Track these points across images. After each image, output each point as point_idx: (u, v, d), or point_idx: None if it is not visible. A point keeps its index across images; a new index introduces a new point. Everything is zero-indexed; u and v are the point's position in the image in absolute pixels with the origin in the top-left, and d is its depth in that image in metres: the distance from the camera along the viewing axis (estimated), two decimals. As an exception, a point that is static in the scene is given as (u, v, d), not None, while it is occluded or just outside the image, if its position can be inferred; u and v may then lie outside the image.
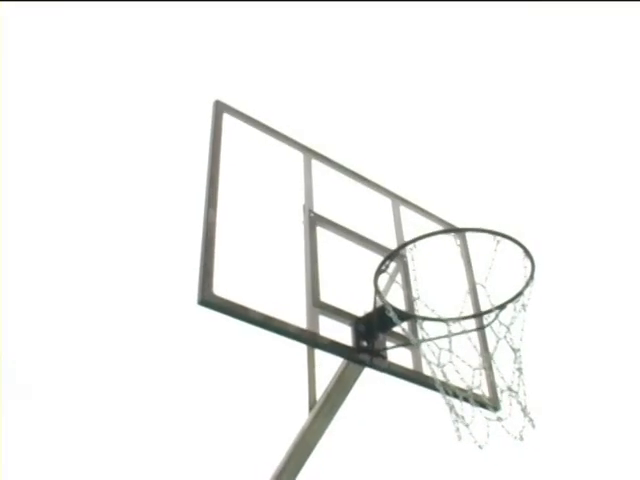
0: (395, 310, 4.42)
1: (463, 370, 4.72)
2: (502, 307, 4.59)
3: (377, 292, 4.37)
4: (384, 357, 4.70)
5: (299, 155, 5.33)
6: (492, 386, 5.30)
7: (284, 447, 4.90)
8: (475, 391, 5.02)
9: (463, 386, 4.89)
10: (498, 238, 4.31)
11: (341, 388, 4.76)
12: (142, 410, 5.96)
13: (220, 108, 5.01)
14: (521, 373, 4.38)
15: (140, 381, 6.03)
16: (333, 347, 4.56)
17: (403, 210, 5.72)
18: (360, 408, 4.45)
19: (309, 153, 5.36)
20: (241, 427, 6.21)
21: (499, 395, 5.14)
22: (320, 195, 5.18)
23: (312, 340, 4.44)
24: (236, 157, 4.94)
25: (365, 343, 4.63)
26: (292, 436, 4.87)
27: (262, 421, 6.25)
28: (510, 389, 4.32)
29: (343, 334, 4.70)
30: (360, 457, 6.73)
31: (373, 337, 4.68)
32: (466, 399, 4.99)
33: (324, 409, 4.78)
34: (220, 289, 4.19)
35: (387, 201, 5.66)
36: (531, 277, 4.37)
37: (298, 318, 4.47)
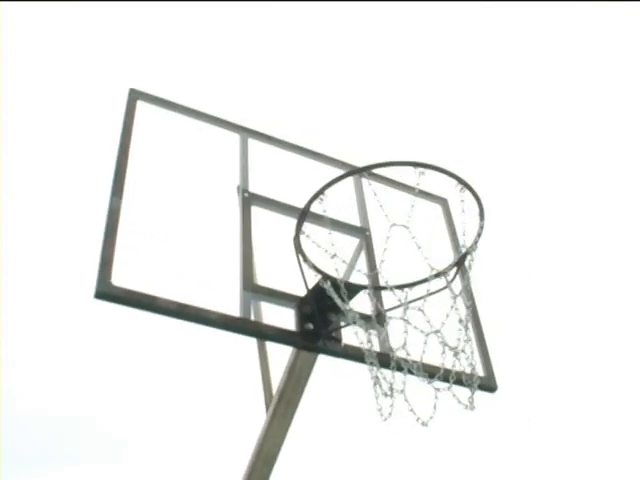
0: (333, 282, 3.78)
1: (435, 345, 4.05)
2: (461, 261, 3.92)
3: (301, 259, 3.76)
4: (338, 339, 4.06)
5: (236, 137, 4.85)
6: (485, 360, 4.55)
7: (244, 459, 4.30)
8: (459, 369, 4.32)
9: (443, 365, 4.21)
10: (420, 169, 3.63)
11: (295, 382, 4.15)
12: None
13: (134, 95, 4.61)
14: (467, 329, 3.65)
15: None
16: (270, 333, 3.98)
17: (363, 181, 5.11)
18: (323, 402, 3.79)
19: (245, 133, 4.87)
20: (196, 436, 5.62)
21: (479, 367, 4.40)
22: (258, 174, 4.66)
23: (241, 327, 3.87)
24: (156, 144, 4.50)
25: (311, 326, 3.99)
26: (251, 445, 4.27)
27: (218, 429, 5.65)
28: (456, 350, 3.59)
29: (288, 319, 4.11)
30: (330, 455, 6.02)
31: (323, 318, 4.04)
32: (447, 379, 4.29)
33: (279, 409, 4.18)
34: (124, 280, 3.69)
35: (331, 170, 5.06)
36: (481, 217, 3.69)
37: (225, 305, 3.90)
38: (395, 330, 4.05)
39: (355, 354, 4.07)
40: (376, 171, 5.16)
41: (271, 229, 4.47)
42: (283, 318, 4.10)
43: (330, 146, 5.11)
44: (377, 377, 3.55)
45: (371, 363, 3.68)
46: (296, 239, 3.73)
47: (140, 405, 5.64)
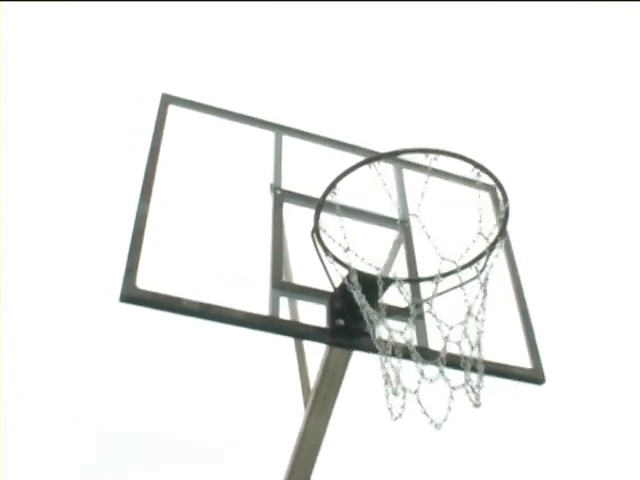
0: (363, 275, 3.70)
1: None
2: (492, 248, 3.77)
3: (322, 253, 3.69)
4: (369, 335, 3.97)
5: (270, 134, 4.84)
6: (532, 350, 4.36)
7: (285, 457, 4.28)
8: (502, 361, 4.19)
9: (486, 357, 4.08)
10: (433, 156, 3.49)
11: (329, 379, 4.10)
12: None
13: (165, 100, 4.67)
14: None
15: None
16: (299, 330, 3.95)
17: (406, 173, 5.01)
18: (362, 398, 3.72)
19: (279, 130, 4.85)
20: (237, 436, 5.62)
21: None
22: (292, 171, 4.64)
23: (269, 325, 3.84)
24: (188, 147, 4.54)
25: (342, 322, 3.93)
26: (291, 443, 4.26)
27: (258, 428, 5.63)
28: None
29: (320, 315, 4.06)
30: (371, 453, 5.88)
31: (354, 314, 3.96)
32: (492, 372, 4.15)
33: (316, 406, 4.15)
34: (149, 283, 3.75)
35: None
36: (504, 199, 3.54)
37: (254, 304, 3.89)
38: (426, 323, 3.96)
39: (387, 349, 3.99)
40: (416, 161, 5.06)
41: (303, 225, 4.43)
42: (315, 315, 4.06)
43: (368, 138, 5.03)
44: (387, 374, 3.44)
45: (404, 358, 3.55)
46: (314, 232, 3.67)
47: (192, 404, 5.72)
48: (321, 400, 4.10)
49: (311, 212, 4.44)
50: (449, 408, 3.33)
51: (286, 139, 4.83)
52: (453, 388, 3.37)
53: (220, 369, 5.70)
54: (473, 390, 3.35)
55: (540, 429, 6.52)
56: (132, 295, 3.65)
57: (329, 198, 3.58)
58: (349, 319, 3.90)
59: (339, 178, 3.58)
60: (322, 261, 3.72)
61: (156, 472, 5.74)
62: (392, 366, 3.40)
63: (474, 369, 3.47)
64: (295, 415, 4.29)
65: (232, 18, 9.06)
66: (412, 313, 3.79)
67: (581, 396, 6.79)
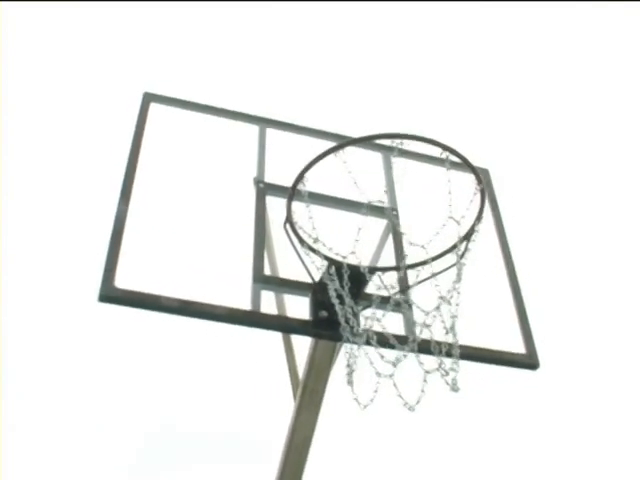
0: (337, 267, 3.65)
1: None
2: (471, 232, 3.70)
3: (295, 241, 3.65)
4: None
5: (254, 128, 4.80)
6: (525, 333, 4.27)
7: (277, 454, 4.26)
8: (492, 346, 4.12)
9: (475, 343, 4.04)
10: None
11: (316, 372, 4.07)
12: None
13: (147, 99, 4.66)
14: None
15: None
16: (280, 324, 3.92)
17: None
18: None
19: (263, 123, 4.82)
20: (228, 431, 5.60)
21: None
22: (275, 164, 4.60)
23: (249, 320, 3.81)
24: (170, 145, 4.53)
25: (325, 313, 3.88)
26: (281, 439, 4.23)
27: (250, 424, 5.60)
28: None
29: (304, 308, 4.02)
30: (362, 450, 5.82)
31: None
32: (484, 359, 4.11)
33: (304, 400, 4.12)
34: (128, 282, 3.74)
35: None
36: (478, 180, 3.47)
37: (235, 299, 3.87)
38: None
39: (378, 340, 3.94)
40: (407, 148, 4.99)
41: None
42: (299, 308, 4.03)
43: (356, 128, 4.96)
44: (350, 364, 3.38)
45: (380, 346, 3.51)
46: (286, 223, 3.63)
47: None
48: (309, 394, 4.07)
49: (295, 204, 4.43)
50: (422, 391, 3.29)
51: (270, 132, 4.80)
52: (427, 372, 3.32)
53: (218, 365, 5.70)
54: (447, 373, 3.30)
55: (534, 416, 6.42)
56: (110, 295, 3.65)
57: (300, 187, 3.53)
58: (332, 311, 3.85)
59: (307, 167, 3.54)
60: (298, 253, 3.67)
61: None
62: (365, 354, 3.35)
63: (449, 354, 3.41)
64: (287, 410, 4.27)
65: (209, 14, 9.06)
66: (400, 301, 3.76)
67: (576, 381, 6.67)
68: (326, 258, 3.68)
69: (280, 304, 4.16)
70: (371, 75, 9.40)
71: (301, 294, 4.00)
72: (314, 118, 4.95)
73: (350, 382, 3.30)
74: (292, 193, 3.55)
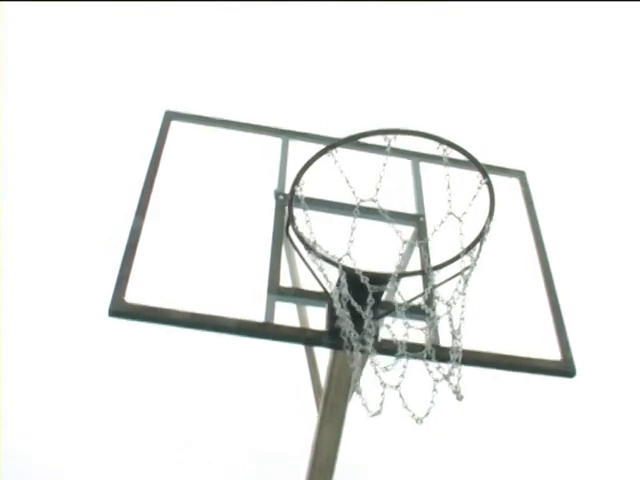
0: (348, 271, 3.53)
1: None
2: (484, 233, 3.52)
3: (298, 248, 3.54)
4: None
5: (277, 141, 4.75)
6: (561, 339, 4.01)
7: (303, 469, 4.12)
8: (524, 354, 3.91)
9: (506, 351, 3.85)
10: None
11: (336, 385, 3.93)
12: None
13: (168, 117, 4.69)
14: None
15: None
16: (294, 335, 3.79)
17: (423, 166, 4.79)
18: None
19: (286, 135, 4.76)
20: (250, 447, 5.45)
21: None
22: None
23: (261, 332, 3.72)
24: (190, 160, 4.52)
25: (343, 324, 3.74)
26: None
27: (271, 442, 5.43)
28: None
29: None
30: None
31: (354, 314, 3.77)
32: (521, 367, 3.90)
33: (326, 415, 3.98)
34: (139, 296, 3.72)
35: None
36: (483, 175, 3.29)
37: (249, 311, 3.79)
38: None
39: (392, 349, 3.77)
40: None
41: (307, 228, 4.31)
42: (316, 319, 3.92)
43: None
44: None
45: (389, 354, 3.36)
46: (287, 230, 3.53)
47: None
48: (330, 408, 3.93)
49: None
50: (432, 402, 3.11)
51: (293, 144, 4.73)
52: (436, 380, 3.14)
53: (243, 379, 5.63)
54: (446, 378, 3.11)
55: (567, 427, 6.04)
56: (120, 310, 3.64)
57: (299, 192, 3.44)
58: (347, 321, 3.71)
59: (302, 171, 3.44)
60: (304, 260, 3.57)
61: None
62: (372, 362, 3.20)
63: (458, 360, 3.23)
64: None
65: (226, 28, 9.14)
66: (423, 308, 3.61)
67: (613, 390, 6.26)
68: (341, 267, 3.55)
69: (301, 316, 4.07)
70: (391, 81, 9.30)
71: (318, 305, 3.89)
72: (336, 127, 4.85)
73: (358, 391, 3.16)
74: (291, 198, 3.45)
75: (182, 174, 4.41)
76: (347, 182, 3.35)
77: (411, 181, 4.73)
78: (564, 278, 4.39)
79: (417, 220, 4.43)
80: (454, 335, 3.27)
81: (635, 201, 8.62)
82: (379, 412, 3.09)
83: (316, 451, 4.01)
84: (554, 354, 4.00)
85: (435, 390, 3.14)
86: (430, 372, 3.19)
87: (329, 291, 3.44)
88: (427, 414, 3.08)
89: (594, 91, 9.40)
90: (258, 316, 3.76)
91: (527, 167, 5.07)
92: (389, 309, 3.61)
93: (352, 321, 3.49)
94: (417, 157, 4.80)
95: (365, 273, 3.51)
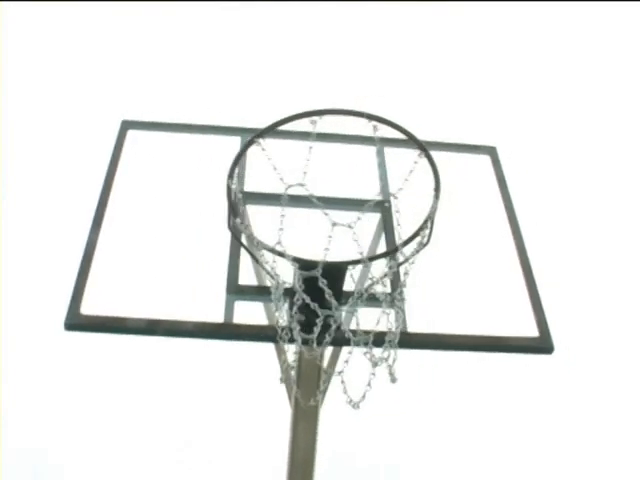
0: (300, 262, 3.42)
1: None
2: (432, 213, 3.39)
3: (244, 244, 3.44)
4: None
5: (236, 140, 4.68)
6: (538, 314, 3.86)
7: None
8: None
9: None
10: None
11: (305, 381, 3.82)
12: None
13: (125, 127, 4.64)
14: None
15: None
16: (254, 333, 3.71)
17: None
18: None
19: (245, 133, 4.65)
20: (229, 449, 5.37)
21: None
22: (257, 172, 4.42)
23: (220, 332, 3.65)
24: (146, 168, 4.47)
25: (303, 317, 3.64)
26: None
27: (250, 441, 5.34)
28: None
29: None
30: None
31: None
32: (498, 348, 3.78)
33: (299, 413, 3.88)
34: (95, 307, 3.66)
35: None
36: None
37: (208, 313, 3.71)
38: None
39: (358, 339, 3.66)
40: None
41: (267, 225, 4.22)
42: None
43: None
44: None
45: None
46: (230, 226, 3.43)
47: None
48: (301, 405, 3.82)
49: (274, 210, 4.23)
50: (369, 385, 3.00)
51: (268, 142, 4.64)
52: (375, 363, 3.03)
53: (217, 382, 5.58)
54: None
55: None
56: (76, 322, 3.58)
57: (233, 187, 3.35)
58: (308, 313, 3.61)
59: (234, 164, 3.37)
60: (252, 256, 3.47)
61: None
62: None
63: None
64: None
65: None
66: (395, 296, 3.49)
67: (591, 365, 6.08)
68: (291, 258, 3.44)
69: (269, 314, 3.97)
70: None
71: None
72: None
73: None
74: (228, 192, 3.35)
75: (139, 181, 4.35)
76: (275, 169, 3.24)
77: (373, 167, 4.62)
78: (539, 257, 4.27)
79: (382, 206, 4.32)
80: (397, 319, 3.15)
81: (611, 174, 8.48)
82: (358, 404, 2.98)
83: (293, 450, 3.91)
84: (531, 331, 3.85)
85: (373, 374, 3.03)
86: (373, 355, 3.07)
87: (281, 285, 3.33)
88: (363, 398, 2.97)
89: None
90: (216, 318, 3.68)
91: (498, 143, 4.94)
92: (348, 298, 3.51)
93: (309, 314, 3.38)
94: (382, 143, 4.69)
95: (316, 262, 3.40)
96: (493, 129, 7.91)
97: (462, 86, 9.72)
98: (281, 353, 4.09)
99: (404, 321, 3.73)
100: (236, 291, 3.77)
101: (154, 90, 8.72)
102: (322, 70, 9.76)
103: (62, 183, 7.44)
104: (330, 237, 3.60)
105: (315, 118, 3.19)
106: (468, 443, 5.68)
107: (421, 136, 4.70)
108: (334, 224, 3.27)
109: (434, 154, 4.83)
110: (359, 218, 3.33)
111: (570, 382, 6.01)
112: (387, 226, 4.24)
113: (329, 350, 4.14)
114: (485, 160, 4.84)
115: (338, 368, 3.33)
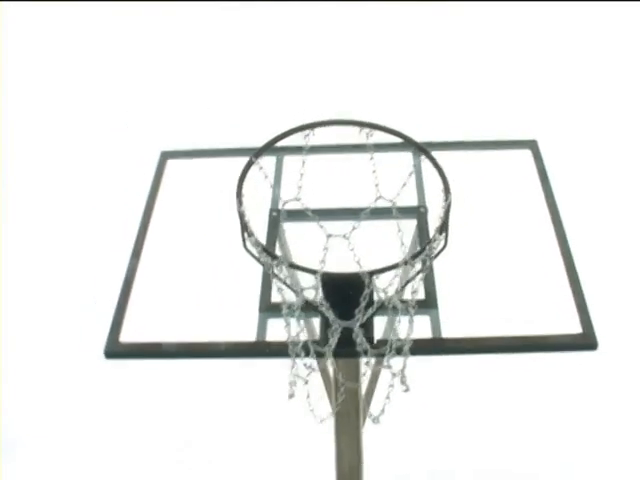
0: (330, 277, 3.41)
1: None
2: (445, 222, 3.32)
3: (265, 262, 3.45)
4: (369, 337, 3.63)
5: (272, 159, 4.73)
6: (582, 310, 3.70)
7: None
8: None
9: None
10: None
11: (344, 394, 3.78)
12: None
13: (164, 157, 4.78)
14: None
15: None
16: (287, 349, 3.70)
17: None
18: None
19: (280, 152, 4.71)
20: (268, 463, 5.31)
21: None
22: (293, 190, 4.45)
23: (252, 351, 3.69)
24: (186, 195, 4.59)
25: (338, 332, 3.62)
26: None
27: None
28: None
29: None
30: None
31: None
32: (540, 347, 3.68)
33: (341, 427, 3.87)
34: (133, 334, 3.79)
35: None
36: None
37: (241, 333, 3.76)
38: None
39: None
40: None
41: (302, 241, 4.26)
42: (312, 330, 3.84)
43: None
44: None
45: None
46: (245, 246, 3.45)
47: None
48: (342, 418, 3.80)
49: (310, 225, 4.25)
50: (387, 398, 2.94)
51: (288, 159, 4.69)
52: (393, 374, 2.97)
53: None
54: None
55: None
56: (114, 351, 3.70)
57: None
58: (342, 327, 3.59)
59: (240, 182, 3.39)
60: (272, 273, 3.48)
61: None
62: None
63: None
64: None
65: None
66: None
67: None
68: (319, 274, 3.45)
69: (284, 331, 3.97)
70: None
71: (313, 316, 3.80)
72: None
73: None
74: (242, 215, 3.37)
75: (178, 207, 4.47)
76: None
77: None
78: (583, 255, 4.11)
79: (418, 212, 4.27)
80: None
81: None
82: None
83: (338, 465, 3.88)
84: (574, 328, 3.71)
85: (392, 386, 2.97)
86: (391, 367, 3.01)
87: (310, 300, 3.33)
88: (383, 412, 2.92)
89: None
90: (249, 336, 3.72)
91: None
92: (379, 308, 3.47)
93: (339, 326, 3.37)
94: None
95: (341, 274, 3.39)
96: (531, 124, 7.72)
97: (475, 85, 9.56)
98: (325, 373, 4.08)
99: (439, 327, 3.66)
100: (269, 309, 3.79)
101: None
102: (323, 70, 9.80)
103: (101, 213, 7.73)
104: (352, 250, 3.60)
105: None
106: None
107: (455, 137, 4.66)
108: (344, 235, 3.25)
109: (473, 154, 4.79)
110: (354, 227, 3.31)
111: (613, 379, 5.75)
112: (422, 232, 4.17)
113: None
114: (526, 154, 4.70)
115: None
